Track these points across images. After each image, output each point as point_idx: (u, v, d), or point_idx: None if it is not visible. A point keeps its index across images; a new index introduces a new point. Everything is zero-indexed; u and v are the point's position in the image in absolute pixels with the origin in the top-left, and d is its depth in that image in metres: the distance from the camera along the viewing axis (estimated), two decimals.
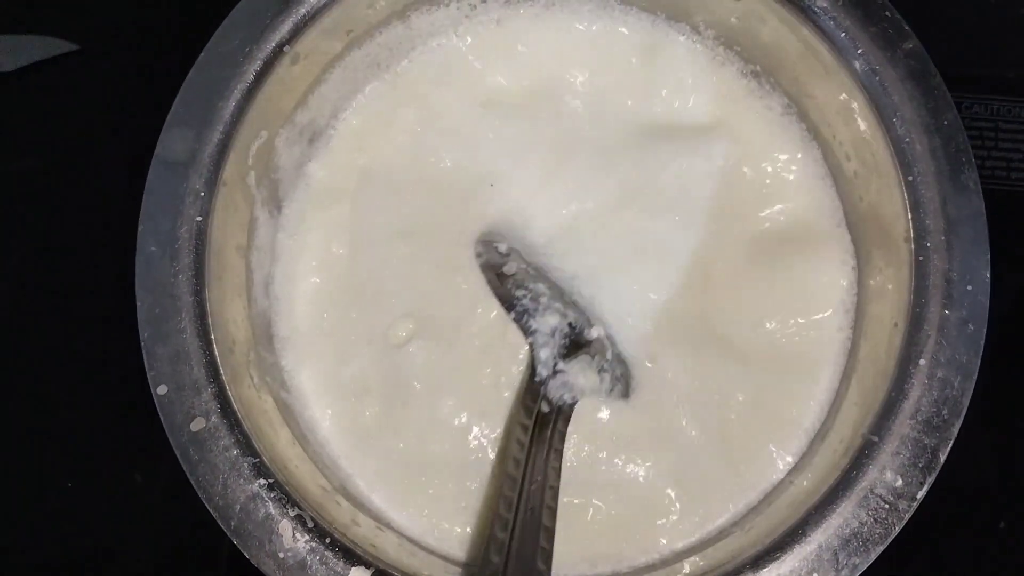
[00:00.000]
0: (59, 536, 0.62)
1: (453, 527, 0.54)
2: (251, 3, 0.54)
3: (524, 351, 0.55)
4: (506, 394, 0.55)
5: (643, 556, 0.53)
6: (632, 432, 0.55)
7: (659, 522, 0.53)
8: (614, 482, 0.54)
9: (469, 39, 0.61)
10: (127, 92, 0.70)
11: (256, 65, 0.53)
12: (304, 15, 0.54)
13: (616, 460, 0.54)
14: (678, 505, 0.53)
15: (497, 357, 0.56)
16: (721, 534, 0.52)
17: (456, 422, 0.55)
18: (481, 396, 0.55)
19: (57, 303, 0.66)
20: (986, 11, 0.70)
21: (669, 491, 0.54)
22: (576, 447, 0.54)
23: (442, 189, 0.59)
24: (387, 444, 0.55)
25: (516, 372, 0.55)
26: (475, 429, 0.55)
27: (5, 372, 0.65)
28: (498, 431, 0.55)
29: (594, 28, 0.61)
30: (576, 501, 0.54)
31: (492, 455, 0.55)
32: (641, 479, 0.54)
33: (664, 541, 0.53)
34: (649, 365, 0.56)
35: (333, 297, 0.58)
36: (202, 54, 0.53)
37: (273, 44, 0.53)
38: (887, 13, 0.52)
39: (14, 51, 0.70)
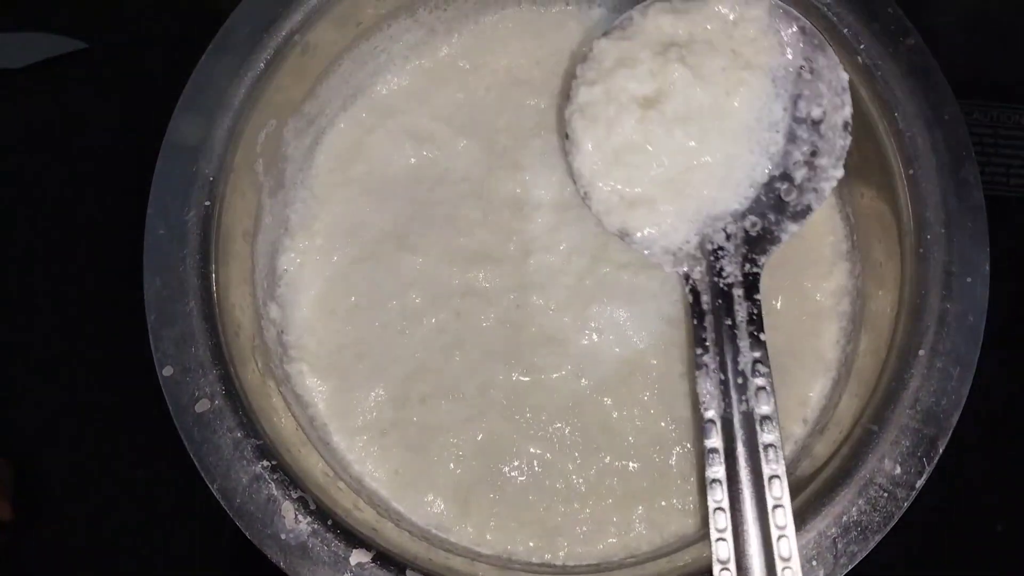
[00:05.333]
0: (57, 518, 0.62)
1: (455, 515, 0.54)
2: None
3: (525, 347, 0.56)
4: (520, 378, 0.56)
5: (646, 544, 0.53)
6: (631, 422, 0.55)
7: (663, 504, 0.54)
8: (618, 471, 0.54)
9: (470, 35, 0.62)
10: (135, 90, 0.71)
11: (267, 53, 0.54)
12: (315, 5, 0.54)
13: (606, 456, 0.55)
14: (681, 488, 0.54)
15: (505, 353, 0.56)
16: None
17: (466, 414, 0.55)
18: (487, 387, 0.56)
19: (63, 294, 0.66)
20: (985, 18, 0.71)
21: (676, 480, 0.54)
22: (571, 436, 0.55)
23: (448, 183, 0.60)
24: (388, 434, 0.56)
25: (506, 357, 0.56)
26: (483, 422, 0.55)
27: (17, 350, 0.65)
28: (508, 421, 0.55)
29: (600, 25, 0.61)
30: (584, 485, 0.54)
31: (501, 442, 0.55)
32: (641, 468, 0.54)
33: (670, 527, 0.53)
34: (652, 360, 0.56)
35: (336, 288, 0.58)
36: (214, 41, 0.54)
37: (284, 33, 0.54)
38: (889, 9, 0.53)
39: (22, 49, 0.70)
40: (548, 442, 0.55)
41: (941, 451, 0.47)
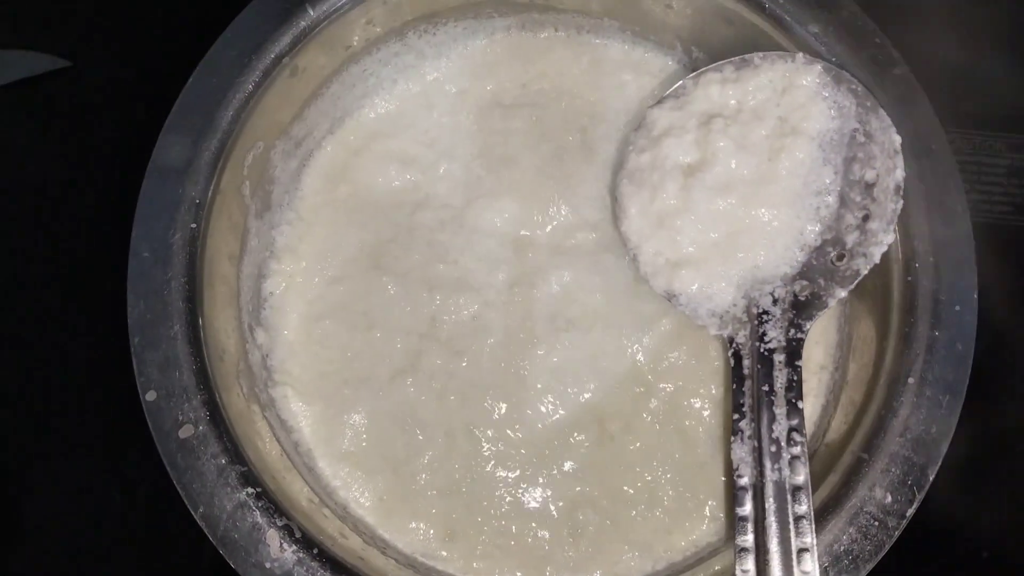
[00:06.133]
0: (36, 543, 0.61)
1: (441, 543, 0.54)
2: (252, 14, 0.54)
3: (509, 375, 0.56)
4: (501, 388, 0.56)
5: (637, 573, 0.53)
6: (622, 452, 0.55)
7: (652, 532, 0.53)
8: (609, 498, 0.54)
9: (458, 60, 0.62)
10: (120, 110, 0.70)
11: (255, 76, 0.53)
12: (304, 28, 0.54)
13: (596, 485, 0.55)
14: (667, 520, 0.54)
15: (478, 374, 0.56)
16: (711, 552, 0.52)
17: (449, 440, 0.55)
18: (471, 418, 0.55)
19: (46, 316, 0.65)
20: (968, 47, 0.72)
21: (658, 512, 0.54)
22: (558, 463, 0.55)
23: (429, 207, 0.59)
24: (373, 460, 0.55)
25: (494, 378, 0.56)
26: (469, 449, 0.55)
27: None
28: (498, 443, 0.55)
29: (588, 50, 0.62)
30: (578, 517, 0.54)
31: (484, 469, 0.54)
32: (633, 496, 0.54)
33: (662, 557, 0.53)
34: (639, 390, 0.56)
35: (320, 312, 0.58)
36: (202, 63, 0.53)
37: (273, 55, 0.54)
38: (877, 40, 0.54)
39: (5, 66, 0.70)
40: (535, 470, 0.54)
41: (931, 479, 0.47)
